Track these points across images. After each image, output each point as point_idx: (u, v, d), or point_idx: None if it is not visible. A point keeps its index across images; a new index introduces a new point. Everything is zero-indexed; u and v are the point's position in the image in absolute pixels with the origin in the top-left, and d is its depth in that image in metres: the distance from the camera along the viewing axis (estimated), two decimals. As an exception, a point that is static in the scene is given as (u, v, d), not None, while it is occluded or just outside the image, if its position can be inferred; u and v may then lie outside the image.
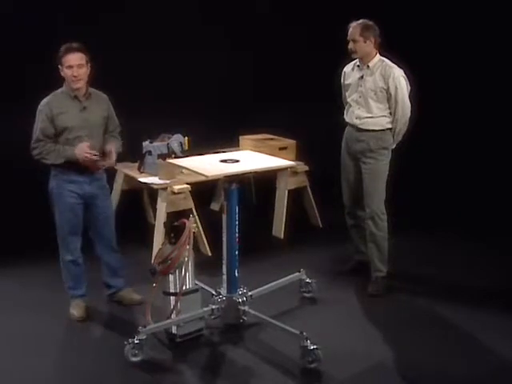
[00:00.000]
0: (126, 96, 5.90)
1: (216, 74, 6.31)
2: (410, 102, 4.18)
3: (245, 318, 3.80)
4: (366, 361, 3.49)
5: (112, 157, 3.84)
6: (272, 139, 5.58)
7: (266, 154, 4.45)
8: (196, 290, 3.71)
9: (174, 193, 4.75)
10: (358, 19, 4.13)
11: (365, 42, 4.07)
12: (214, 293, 3.85)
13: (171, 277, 3.63)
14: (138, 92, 5.98)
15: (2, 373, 3.35)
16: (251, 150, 5.06)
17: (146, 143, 5.07)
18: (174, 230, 3.63)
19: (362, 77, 4.19)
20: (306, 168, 5.49)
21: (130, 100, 5.98)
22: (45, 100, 3.79)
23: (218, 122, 5.99)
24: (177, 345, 3.62)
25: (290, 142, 5.47)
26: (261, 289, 3.96)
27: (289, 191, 5.43)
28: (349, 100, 4.30)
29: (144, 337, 3.43)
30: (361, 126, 4.22)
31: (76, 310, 3.94)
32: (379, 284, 4.32)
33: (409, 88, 4.17)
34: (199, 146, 4.84)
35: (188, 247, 3.60)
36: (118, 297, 4.16)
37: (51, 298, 4.16)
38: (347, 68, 4.38)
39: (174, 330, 3.64)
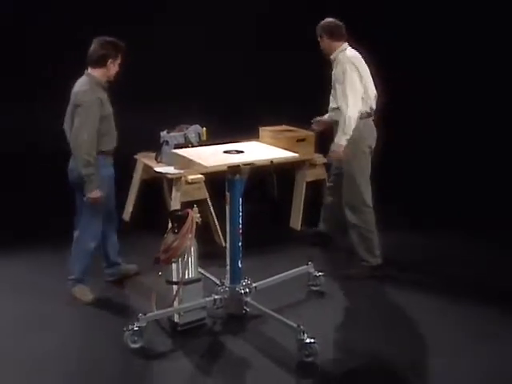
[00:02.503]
0: (149, 86, 6.03)
1: (238, 68, 6.35)
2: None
3: (247, 310, 3.81)
4: (364, 357, 3.45)
5: None
6: (291, 131, 5.53)
7: (284, 145, 4.46)
8: (198, 280, 3.72)
9: (188, 183, 4.78)
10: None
11: (321, 39, 4.33)
12: (218, 283, 3.87)
13: (174, 266, 3.65)
14: (161, 83, 6.07)
15: (3, 354, 3.45)
16: (269, 141, 5.04)
17: (163, 133, 5.10)
18: (178, 219, 3.65)
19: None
20: (325, 160, 5.42)
21: (153, 91, 6.09)
22: (88, 92, 3.78)
23: (239, 112, 6.01)
24: (178, 333, 3.65)
25: (309, 134, 5.39)
26: (266, 280, 3.94)
27: (307, 183, 5.38)
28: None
29: (144, 324, 3.47)
30: (334, 118, 4.36)
31: (82, 294, 4.03)
32: (362, 270, 4.40)
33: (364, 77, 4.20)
34: (218, 137, 4.84)
35: (190, 236, 3.61)
36: (123, 271, 4.35)
37: (55, 283, 4.21)
38: None
39: (176, 318, 3.68)
